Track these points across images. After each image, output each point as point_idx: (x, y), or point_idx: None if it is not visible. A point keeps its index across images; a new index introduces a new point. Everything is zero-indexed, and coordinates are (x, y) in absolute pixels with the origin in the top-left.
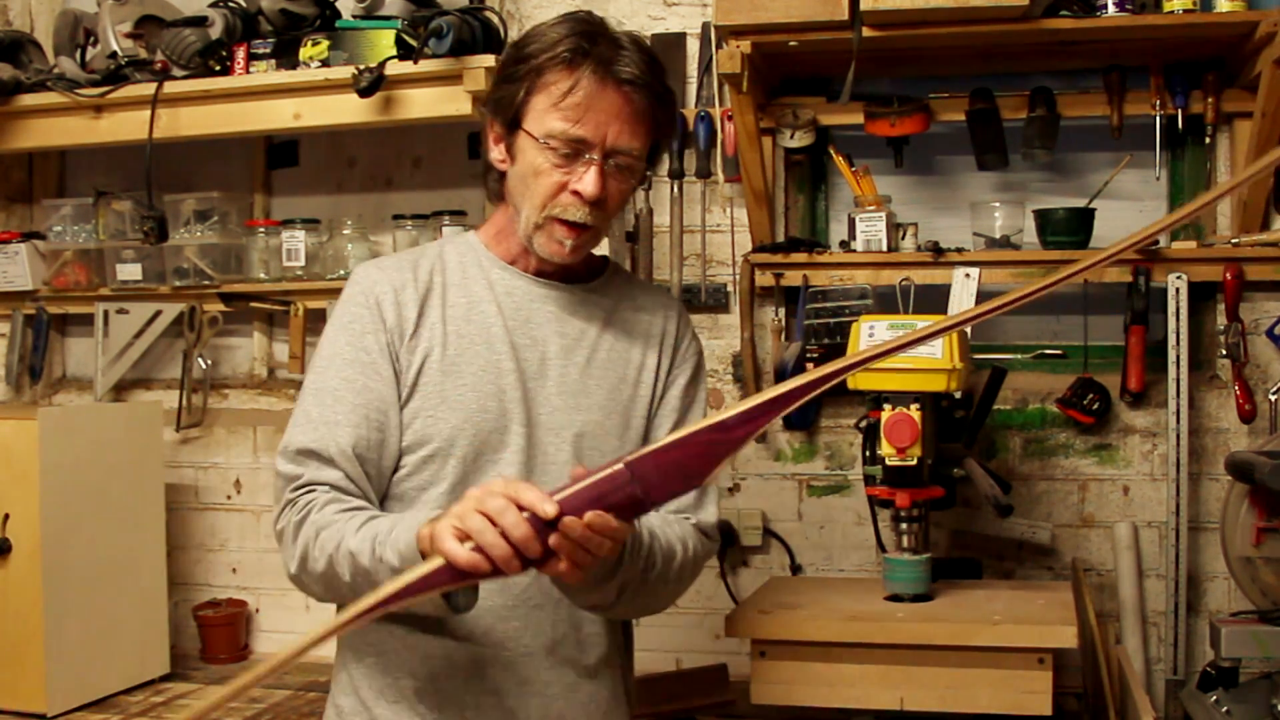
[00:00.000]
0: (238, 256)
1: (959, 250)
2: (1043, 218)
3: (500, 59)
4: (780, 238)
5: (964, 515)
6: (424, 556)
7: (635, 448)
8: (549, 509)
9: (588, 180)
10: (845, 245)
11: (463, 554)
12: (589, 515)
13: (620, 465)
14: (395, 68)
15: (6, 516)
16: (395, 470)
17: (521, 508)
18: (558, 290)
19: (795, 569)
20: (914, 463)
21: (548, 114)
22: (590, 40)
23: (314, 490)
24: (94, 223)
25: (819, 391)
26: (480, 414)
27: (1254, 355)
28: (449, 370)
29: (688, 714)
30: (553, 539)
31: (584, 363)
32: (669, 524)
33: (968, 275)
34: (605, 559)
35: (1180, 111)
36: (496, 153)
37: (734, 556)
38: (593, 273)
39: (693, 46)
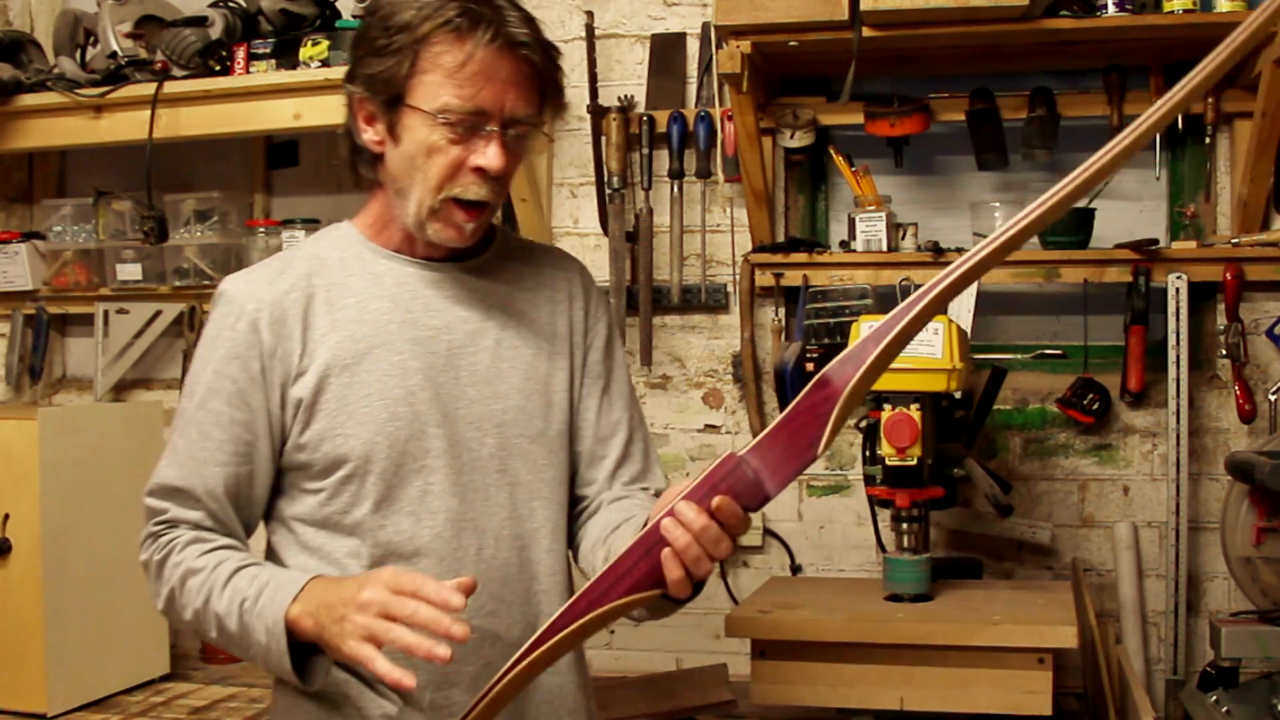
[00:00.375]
0: (238, 256)
1: (959, 250)
2: None
3: (361, 29)
4: (780, 238)
5: (964, 515)
6: (292, 634)
7: (561, 426)
8: (455, 600)
9: (491, 154)
10: (845, 245)
11: (408, 677)
12: (717, 500)
13: (730, 453)
14: None
15: (6, 516)
16: (313, 493)
17: (425, 600)
18: (452, 272)
19: (795, 569)
20: (914, 463)
21: (441, 87)
22: (475, 2)
23: (176, 527)
24: (94, 223)
25: (920, 317)
26: (392, 423)
27: (1254, 355)
28: (350, 382)
29: (688, 714)
30: (671, 532)
31: (493, 345)
32: (642, 504)
33: None
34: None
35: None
36: (371, 134)
37: (734, 556)
38: (481, 244)
39: (693, 46)
